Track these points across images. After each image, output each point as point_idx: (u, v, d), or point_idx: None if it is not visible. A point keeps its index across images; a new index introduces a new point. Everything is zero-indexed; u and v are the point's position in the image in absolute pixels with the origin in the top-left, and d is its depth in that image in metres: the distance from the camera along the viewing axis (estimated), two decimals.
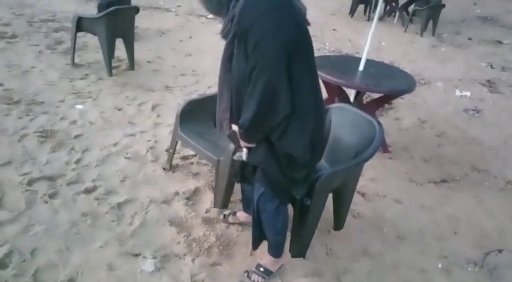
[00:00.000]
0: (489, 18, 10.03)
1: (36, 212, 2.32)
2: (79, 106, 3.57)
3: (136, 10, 4.33)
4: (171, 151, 2.79)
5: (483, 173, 3.55)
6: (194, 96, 3.62)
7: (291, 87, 1.50)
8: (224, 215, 2.43)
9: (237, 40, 1.48)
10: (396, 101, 4.79)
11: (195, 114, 2.72)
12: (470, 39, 8.16)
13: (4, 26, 5.17)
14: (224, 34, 1.53)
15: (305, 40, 1.57)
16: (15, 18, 5.50)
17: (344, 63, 3.91)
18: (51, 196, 2.45)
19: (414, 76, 3.62)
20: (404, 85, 3.40)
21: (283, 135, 1.60)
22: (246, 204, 2.37)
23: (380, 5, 3.52)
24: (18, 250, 2.03)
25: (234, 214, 2.42)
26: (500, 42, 8.17)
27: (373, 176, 3.26)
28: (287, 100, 1.51)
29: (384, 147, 3.66)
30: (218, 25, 6.94)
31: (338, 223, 2.58)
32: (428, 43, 7.62)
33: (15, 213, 2.28)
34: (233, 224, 2.42)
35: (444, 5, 8.19)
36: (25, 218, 2.26)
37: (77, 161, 2.83)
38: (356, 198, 2.95)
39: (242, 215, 2.40)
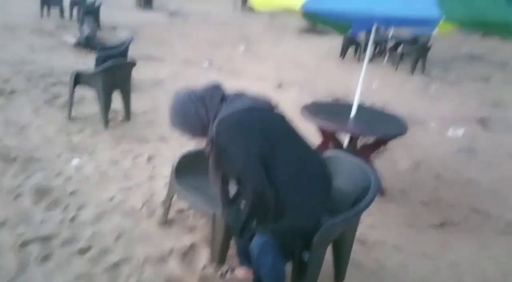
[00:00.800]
0: (476, 56, 10.36)
1: (29, 277, 2.26)
2: (75, 161, 3.58)
3: (133, 64, 4.45)
4: (166, 204, 2.77)
5: (483, 214, 3.52)
6: (190, 147, 3.64)
7: (276, 186, 1.74)
8: (222, 274, 2.37)
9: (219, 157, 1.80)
10: (390, 143, 4.82)
11: (191, 167, 2.73)
12: (459, 77, 8.38)
13: (3, 83, 5.29)
14: (208, 152, 1.87)
15: (280, 146, 1.81)
16: (14, 75, 5.63)
17: (337, 109, 3.98)
18: (45, 258, 2.40)
19: (407, 117, 3.69)
20: (396, 130, 3.45)
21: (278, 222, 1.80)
22: (242, 258, 2.33)
23: (370, 48, 3.63)
24: None
25: (232, 270, 2.37)
26: (489, 79, 8.37)
27: (371, 222, 3.22)
28: (271, 198, 1.74)
29: (381, 191, 3.65)
30: (212, 72, 7.20)
31: (339, 274, 2.52)
32: (419, 82, 7.81)
33: (6, 278, 2.22)
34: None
35: (430, 46, 8.48)
36: None
37: (72, 219, 2.80)
38: (356, 245, 2.90)
39: (240, 272, 2.35)
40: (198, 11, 14.64)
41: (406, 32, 9.30)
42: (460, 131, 5.43)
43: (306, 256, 2.05)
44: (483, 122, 5.90)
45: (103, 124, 4.32)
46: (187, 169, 2.70)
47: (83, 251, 2.50)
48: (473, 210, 3.57)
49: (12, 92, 5.01)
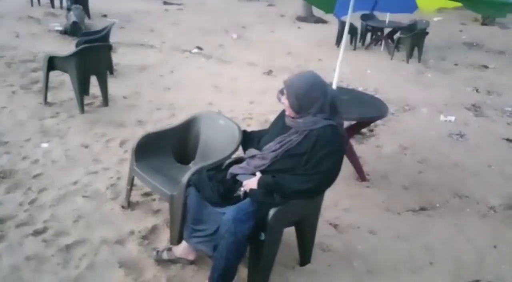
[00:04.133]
0: (474, 44, 10.11)
1: None
2: (44, 145, 3.48)
3: (108, 47, 4.33)
4: (128, 187, 2.67)
5: (465, 199, 3.40)
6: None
7: None
8: (157, 252, 2.28)
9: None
10: (378, 129, 4.70)
11: (153, 149, 2.63)
12: (456, 64, 8.17)
13: None
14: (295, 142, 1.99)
15: None
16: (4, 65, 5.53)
17: None
18: None
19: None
20: (375, 112, 3.32)
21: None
22: (190, 232, 2.21)
23: (346, 33, 3.50)
24: None
25: (169, 250, 2.27)
26: (486, 67, 8.16)
27: (348, 206, 3.11)
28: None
29: (361, 175, 3.53)
30: (201, 59, 7.08)
31: (303, 257, 2.42)
32: (414, 69, 7.62)
33: None
34: (168, 261, 2.27)
35: (427, 33, 8.27)
36: None
37: (32, 202, 2.71)
38: (328, 229, 2.81)
39: (177, 250, 2.25)
40: (193, 0, 14.45)
41: (403, 19, 9.10)
42: (451, 117, 5.27)
43: (262, 235, 1.96)
44: (475, 108, 5.74)
45: (78, 109, 4.21)
46: (148, 150, 2.60)
47: (38, 233, 2.43)
48: (455, 194, 3.44)
49: None
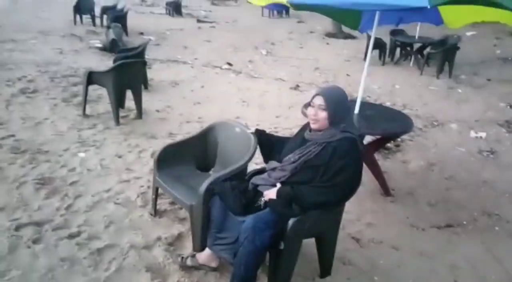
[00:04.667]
0: (510, 58, 9.83)
1: (17, 257, 2.35)
2: (81, 154, 3.70)
3: (144, 63, 4.57)
4: (153, 196, 2.81)
5: (494, 217, 3.32)
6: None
7: None
8: (182, 258, 2.37)
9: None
10: (404, 144, 4.66)
11: (175, 158, 2.76)
12: (489, 80, 7.96)
13: (28, 82, 5.58)
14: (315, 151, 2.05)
15: None
16: (39, 75, 5.93)
17: None
18: (35, 241, 2.49)
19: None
20: (399, 127, 3.33)
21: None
22: (214, 239, 2.29)
23: (371, 47, 3.55)
24: None
25: (193, 256, 2.36)
26: None
27: (371, 221, 3.12)
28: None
29: (386, 190, 3.52)
30: (230, 74, 7.27)
31: (323, 269, 2.45)
32: (445, 85, 7.50)
33: None
34: (192, 267, 2.35)
35: (458, 48, 8.14)
36: (4, 263, 2.29)
37: (68, 207, 2.89)
38: (350, 243, 2.82)
39: (200, 257, 2.34)
40: (226, 18, 14.88)
41: (434, 34, 8.99)
42: (482, 134, 5.15)
43: (282, 245, 2.03)
44: (508, 124, 5.58)
45: (114, 121, 4.45)
46: (170, 160, 2.73)
47: (72, 236, 2.58)
48: (483, 212, 3.37)
49: (35, 91, 5.27)
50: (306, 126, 2.24)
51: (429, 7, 2.19)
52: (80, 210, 2.87)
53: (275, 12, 15.93)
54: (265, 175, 2.22)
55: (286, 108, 5.58)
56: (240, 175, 2.40)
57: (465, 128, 5.35)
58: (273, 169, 2.19)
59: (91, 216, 2.82)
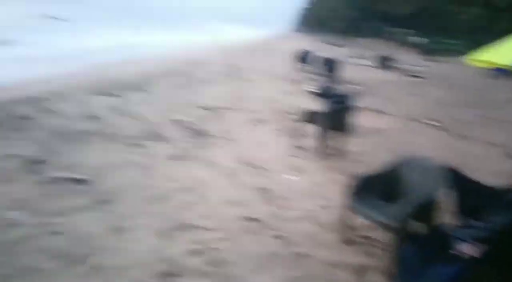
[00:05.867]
0: None
1: None
2: (291, 177, 4.47)
3: (349, 110, 5.16)
4: (342, 222, 3.29)
5: None
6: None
7: None
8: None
9: None
10: None
11: (365, 189, 3.19)
12: None
13: (256, 113, 7.02)
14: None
15: None
16: (266, 109, 7.34)
17: None
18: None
19: None
20: None
21: None
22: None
23: None
24: None
25: None
26: None
27: None
28: None
29: None
30: (433, 130, 7.16)
31: None
32: None
33: None
34: None
35: None
36: None
37: (278, 215, 3.61)
38: None
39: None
40: (438, 73, 14.51)
41: None
42: None
43: None
44: None
45: (320, 155, 5.14)
46: (361, 190, 3.17)
47: (274, 239, 3.25)
48: None
49: (261, 121, 6.53)
50: None
51: None
52: (287, 220, 3.57)
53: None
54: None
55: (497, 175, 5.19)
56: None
57: None
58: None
59: (293, 227, 3.48)
